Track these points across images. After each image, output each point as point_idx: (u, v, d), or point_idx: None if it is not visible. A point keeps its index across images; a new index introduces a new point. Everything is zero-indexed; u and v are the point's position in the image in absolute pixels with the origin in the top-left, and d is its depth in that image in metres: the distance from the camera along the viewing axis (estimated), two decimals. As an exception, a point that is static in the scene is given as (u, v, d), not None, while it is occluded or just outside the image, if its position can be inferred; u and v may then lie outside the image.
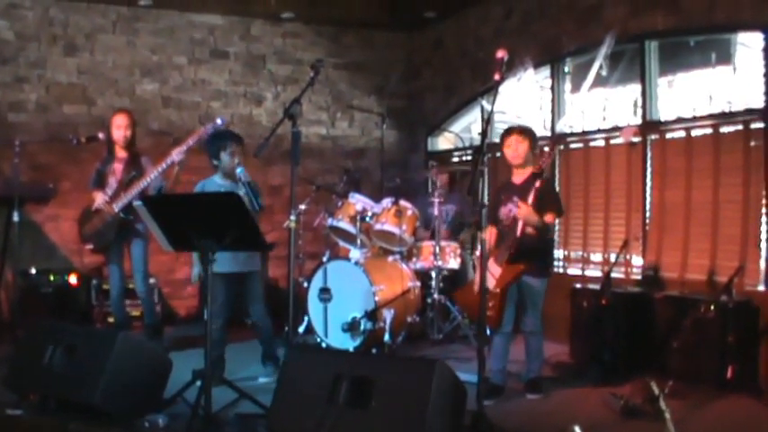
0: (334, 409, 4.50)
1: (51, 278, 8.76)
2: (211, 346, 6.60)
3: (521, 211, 5.87)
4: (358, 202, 7.93)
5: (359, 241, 7.92)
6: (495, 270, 6.04)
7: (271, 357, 6.82)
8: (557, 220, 6.36)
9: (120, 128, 7.55)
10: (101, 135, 7.63)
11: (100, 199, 7.42)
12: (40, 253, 9.26)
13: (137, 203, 5.55)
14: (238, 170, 6.37)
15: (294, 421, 4.63)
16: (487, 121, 5.52)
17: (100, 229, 7.41)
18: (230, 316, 6.79)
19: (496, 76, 5.28)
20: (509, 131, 6.28)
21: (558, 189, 8.53)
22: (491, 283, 5.99)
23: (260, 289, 6.87)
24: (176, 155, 7.08)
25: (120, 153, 7.58)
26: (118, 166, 7.54)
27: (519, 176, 6.31)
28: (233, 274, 6.57)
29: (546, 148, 8.69)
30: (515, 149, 6.21)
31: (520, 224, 5.93)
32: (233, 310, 6.84)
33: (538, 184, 5.91)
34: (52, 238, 9.46)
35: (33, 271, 8.75)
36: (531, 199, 5.91)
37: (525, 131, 6.26)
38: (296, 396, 4.71)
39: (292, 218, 5.50)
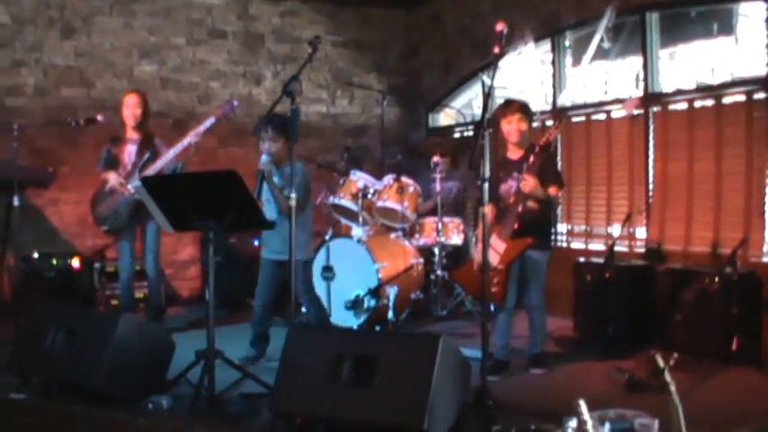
0: (337, 387, 4.48)
1: (54, 262, 8.73)
2: (252, 324, 6.67)
3: (527, 184, 5.82)
4: (359, 179, 7.91)
5: (361, 219, 7.90)
6: (498, 246, 6.01)
7: None
8: (560, 193, 6.29)
9: (129, 107, 7.55)
10: (99, 117, 7.59)
11: (114, 179, 7.39)
12: (41, 237, 9.23)
13: (136, 184, 5.53)
14: (262, 158, 6.18)
15: (297, 400, 4.61)
16: (488, 95, 5.45)
17: (115, 210, 7.40)
18: (273, 299, 6.66)
19: (496, 50, 5.20)
20: (510, 107, 6.18)
21: (559, 163, 8.50)
22: (495, 259, 5.97)
23: (304, 277, 6.58)
24: (192, 137, 7.12)
25: (132, 134, 7.57)
26: (131, 147, 7.54)
27: (515, 152, 6.26)
28: (277, 261, 6.51)
29: (549, 122, 8.70)
30: (517, 128, 6.15)
31: (521, 200, 5.89)
32: (276, 294, 6.69)
33: (535, 155, 5.87)
34: (53, 221, 9.44)
35: (35, 255, 8.72)
36: (529, 165, 5.87)
37: (527, 112, 6.19)
38: (299, 375, 4.68)
39: (292, 195, 5.46)
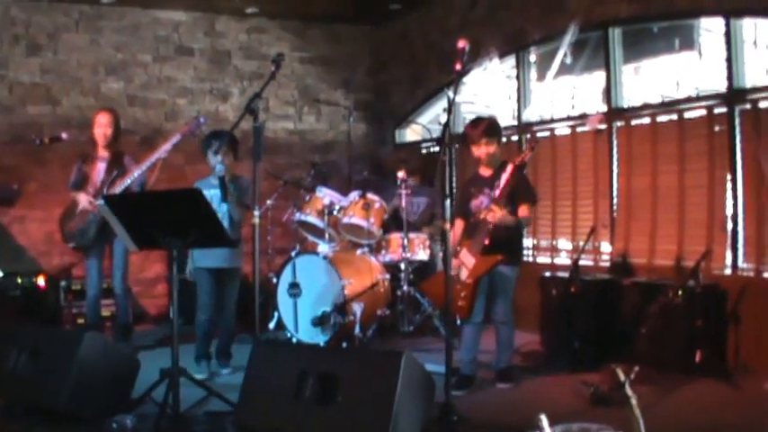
0: (300, 405, 4.48)
1: (19, 281, 8.64)
2: (199, 341, 6.65)
3: (495, 215, 5.82)
4: (325, 195, 7.91)
5: (327, 235, 7.90)
6: (468, 260, 6.02)
7: (224, 354, 6.78)
8: (530, 212, 6.31)
9: (100, 126, 7.49)
10: (64, 135, 7.57)
11: (84, 201, 7.35)
12: (6, 255, 9.16)
13: (99, 203, 5.51)
14: (217, 167, 6.34)
15: (261, 418, 4.62)
16: (449, 111, 5.47)
17: (82, 228, 7.36)
18: (216, 310, 6.76)
19: (458, 67, 5.28)
20: (476, 131, 6.20)
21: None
22: (464, 273, 5.99)
23: (236, 287, 6.85)
24: (159, 154, 7.09)
25: (102, 152, 7.53)
26: (100, 165, 7.49)
27: (487, 169, 6.30)
28: (217, 269, 6.60)
29: (514, 138, 8.76)
30: (485, 152, 6.20)
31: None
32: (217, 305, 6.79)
33: (508, 174, 5.88)
34: (19, 240, 9.38)
35: (0, 274, 8.66)
36: (500, 191, 5.87)
37: (493, 133, 6.22)
38: (263, 392, 4.69)
39: (256, 213, 5.48)
